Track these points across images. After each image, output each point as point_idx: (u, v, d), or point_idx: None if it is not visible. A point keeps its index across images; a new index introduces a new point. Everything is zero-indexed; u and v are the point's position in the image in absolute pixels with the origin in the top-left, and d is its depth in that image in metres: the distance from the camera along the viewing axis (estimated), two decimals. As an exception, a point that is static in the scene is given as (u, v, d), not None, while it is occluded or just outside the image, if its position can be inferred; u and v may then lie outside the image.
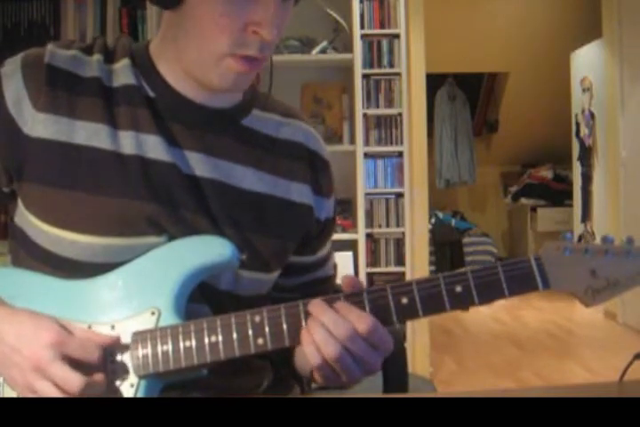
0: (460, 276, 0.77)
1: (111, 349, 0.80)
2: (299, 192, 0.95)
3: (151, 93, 0.89)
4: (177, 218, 0.86)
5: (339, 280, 0.94)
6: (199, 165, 0.88)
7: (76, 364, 0.76)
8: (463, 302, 0.77)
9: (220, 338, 0.78)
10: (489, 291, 0.77)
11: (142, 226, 0.84)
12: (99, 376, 0.77)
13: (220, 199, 0.89)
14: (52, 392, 0.75)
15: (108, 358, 0.79)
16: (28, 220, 0.87)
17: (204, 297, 0.87)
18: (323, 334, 0.76)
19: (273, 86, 0.98)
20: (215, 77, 0.85)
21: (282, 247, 0.94)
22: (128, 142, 0.86)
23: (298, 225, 0.96)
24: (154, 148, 0.86)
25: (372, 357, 0.77)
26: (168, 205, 0.86)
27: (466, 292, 0.77)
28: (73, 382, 0.74)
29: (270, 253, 0.92)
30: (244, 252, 0.87)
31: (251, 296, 0.92)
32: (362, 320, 0.76)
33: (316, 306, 0.78)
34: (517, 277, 0.77)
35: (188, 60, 0.86)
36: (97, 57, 0.89)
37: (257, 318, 0.78)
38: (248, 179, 0.91)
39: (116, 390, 0.79)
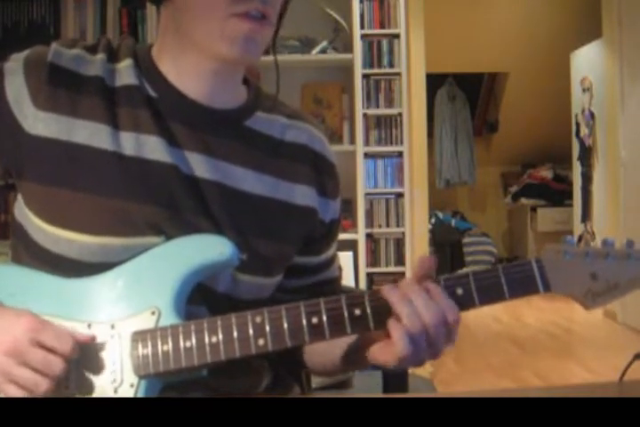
0: (462, 278, 0.78)
1: (88, 347, 0.79)
2: (302, 194, 0.94)
3: (153, 93, 0.89)
4: (177, 220, 0.85)
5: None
6: (200, 166, 0.88)
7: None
8: (463, 304, 0.77)
9: (221, 338, 0.77)
10: (489, 293, 0.77)
11: (141, 227, 0.84)
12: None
13: (220, 201, 0.88)
14: (31, 378, 0.74)
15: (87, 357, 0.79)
16: (27, 217, 0.87)
17: (202, 300, 0.87)
18: (409, 310, 0.75)
19: (272, 86, 0.97)
20: (224, 45, 0.83)
21: (283, 251, 0.93)
22: (129, 143, 0.85)
23: (300, 228, 0.95)
24: (154, 149, 0.86)
25: (443, 344, 0.77)
26: (168, 206, 0.85)
27: (467, 294, 0.77)
28: (56, 364, 0.74)
29: (271, 256, 0.91)
30: (245, 254, 0.86)
31: (251, 300, 0.91)
32: (452, 311, 0.76)
33: (410, 285, 0.77)
34: (518, 280, 0.77)
35: (195, 36, 0.85)
36: (101, 56, 0.89)
37: (258, 319, 0.78)
38: (249, 181, 0.90)
39: (116, 389, 0.78)
